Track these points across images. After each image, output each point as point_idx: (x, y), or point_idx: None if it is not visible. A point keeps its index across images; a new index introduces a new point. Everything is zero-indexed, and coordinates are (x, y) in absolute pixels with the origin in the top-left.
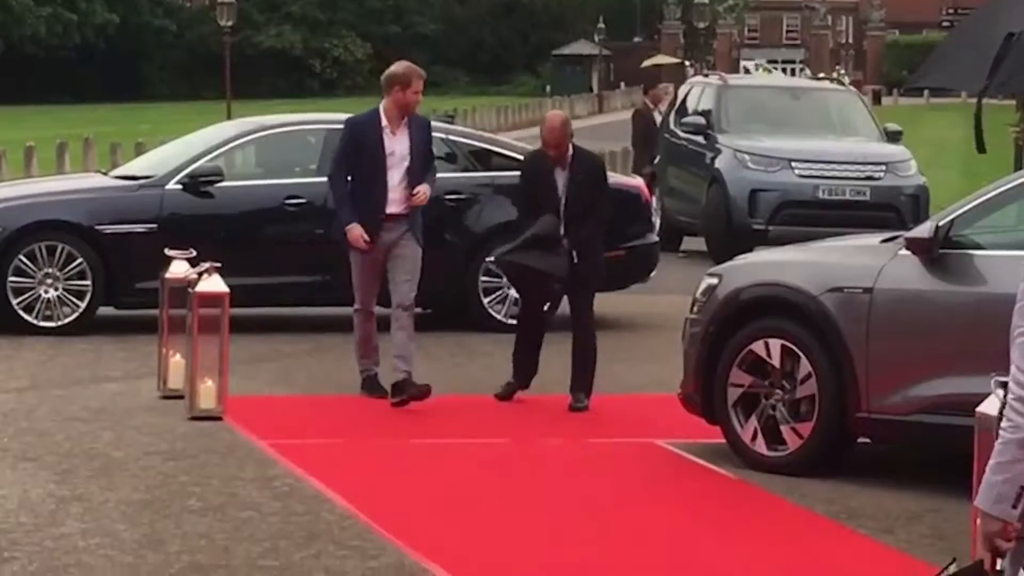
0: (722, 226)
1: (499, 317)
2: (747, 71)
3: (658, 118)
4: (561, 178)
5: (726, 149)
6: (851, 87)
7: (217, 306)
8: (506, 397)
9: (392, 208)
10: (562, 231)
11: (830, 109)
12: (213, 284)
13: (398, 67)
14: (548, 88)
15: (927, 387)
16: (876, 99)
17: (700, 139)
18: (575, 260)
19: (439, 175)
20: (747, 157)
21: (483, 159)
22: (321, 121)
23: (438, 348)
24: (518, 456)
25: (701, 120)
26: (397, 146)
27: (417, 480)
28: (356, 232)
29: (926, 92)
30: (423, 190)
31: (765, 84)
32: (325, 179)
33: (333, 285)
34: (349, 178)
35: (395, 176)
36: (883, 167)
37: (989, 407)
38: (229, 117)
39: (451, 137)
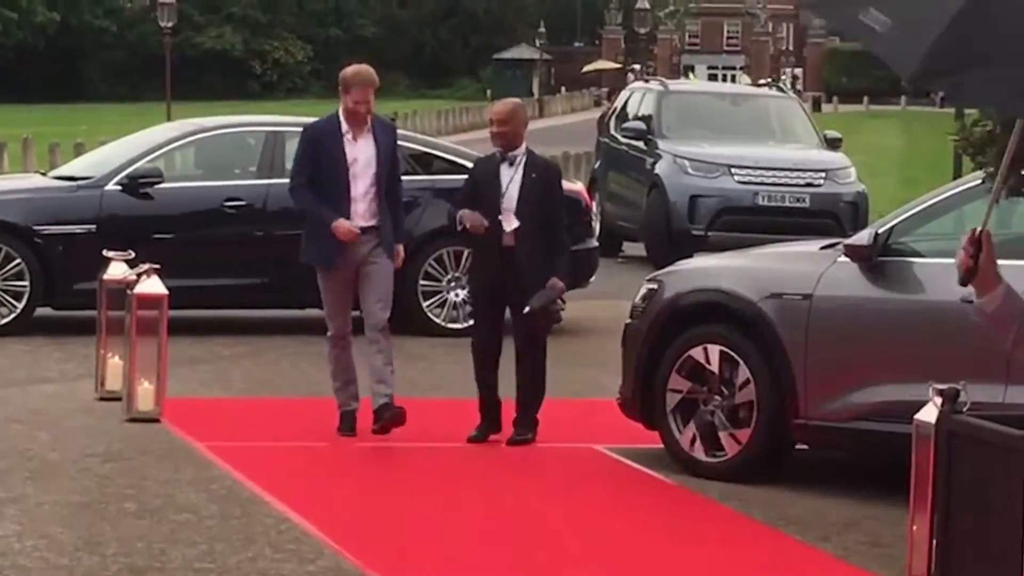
0: (662, 232)
1: (438, 321)
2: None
3: None
4: (508, 177)
5: (666, 155)
6: (792, 94)
7: (156, 308)
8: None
9: (359, 221)
10: (507, 239)
11: (770, 115)
12: (152, 286)
13: (346, 70)
14: (489, 92)
15: (865, 394)
16: (816, 106)
17: (640, 144)
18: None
19: None
20: (687, 163)
21: (424, 163)
22: (261, 123)
23: None
24: (456, 460)
25: (641, 125)
26: (360, 153)
27: (355, 484)
28: (344, 226)
29: (865, 99)
30: (400, 251)
31: (705, 90)
32: (264, 181)
33: (272, 287)
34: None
35: (360, 185)
36: (823, 174)
37: (927, 414)
38: (169, 118)
39: None
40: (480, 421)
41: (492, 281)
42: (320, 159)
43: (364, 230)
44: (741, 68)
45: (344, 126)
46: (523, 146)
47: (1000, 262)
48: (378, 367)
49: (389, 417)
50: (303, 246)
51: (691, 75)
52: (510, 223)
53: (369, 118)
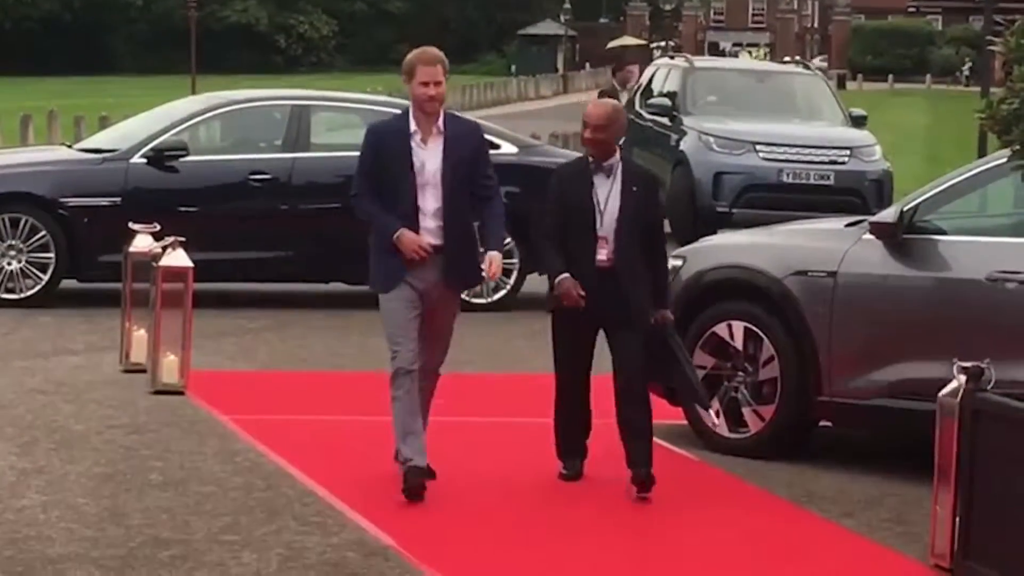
0: (686, 208)
1: (463, 296)
2: (724, 53)
3: (624, 99)
4: (604, 190)
5: (691, 131)
6: (817, 71)
7: (181, 280)
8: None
9: (429, 238)
10: (604, 255)
11: (795, 93)
12: (177, 258)
13: (409, 55)
14: (513, 68)
15: (889, 372)
16: (841, 84)
17: (665, 121)
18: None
19: None
20: (712, 140)
21: None
22: (287, 97)
23: None
24: (478, 434)
25: (667, 102)
26: (429, 157)
27: (378, 457)
28: (409, 237)
29: (890, 77)
30: (494, 261)
31: (731, 67)
32: (289, 155)
33: (296, 260)
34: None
35: (429, 199)
36: (847, 152)
37: (951, 392)
38: (194, 92)
39: None
40: (564, 458)
41: (589, 308)
42: (384, 164)
43: (436, 249)
44: (741, 46)
45: (412, 125)
46: (618, 153)
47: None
48: (421, 406)
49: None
50: (371, 272)
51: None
52: (605, 247)
53: (443, 115)
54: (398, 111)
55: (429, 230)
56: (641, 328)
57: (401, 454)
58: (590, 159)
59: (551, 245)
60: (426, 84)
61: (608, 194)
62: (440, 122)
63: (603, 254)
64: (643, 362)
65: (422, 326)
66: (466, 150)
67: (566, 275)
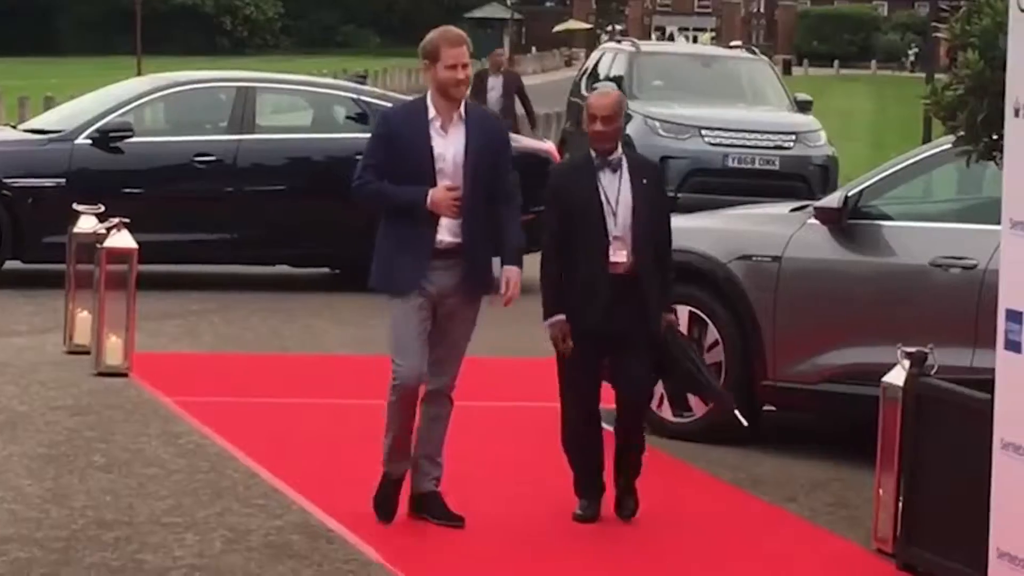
0: None
1: None
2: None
3: (491, 83)
4: (613, 187)
5: (637, 116)
6: (763, 56)
7: (125, 262)
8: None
9: (445, 236)
10: (622, 257)
11: (741, 78)
12: (121, 240)
13: (427, 37)
14: None
15: (833, 356)
16: (787, 69)
17: None
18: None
19: (350, 136)
20: (658, 124)
21: None
22: (232, 79)
23: (346, 309)
24: None
25: (612, 86)
26: (450, 147)
27: (323, 439)
28: (441, 193)
29: (836, 63)
30: (512, 279)
31: (677, 52)
32: (234, 137)
33: (241, 243)
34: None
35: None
36: (793, 137)
37: (895, 377)
38: (139, 73)
39: (363, 98)
40: (581, 498)
41: (600, 321)
42: (398, 153)
43: (451, 251)
44: (687, 30)
45: (432, 111)
46: (620, 146)
47: (972, 226)
48: (433, 438)
49: (447, 520)
50: (373, 268)
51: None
52: (623, 248)
53: (464, 104)
54: (344, 93)
55: (447, 227)
56: (656, 338)
57: (389, 464)
58: (593, 154)
59: (550, 275)
60: (453, 67)
61: (618, 190)
62: (462, 109)
63: (621, 255)
64: (650, 380)
65: (433, 339)
66: (489, 142)
67: (560, 319)
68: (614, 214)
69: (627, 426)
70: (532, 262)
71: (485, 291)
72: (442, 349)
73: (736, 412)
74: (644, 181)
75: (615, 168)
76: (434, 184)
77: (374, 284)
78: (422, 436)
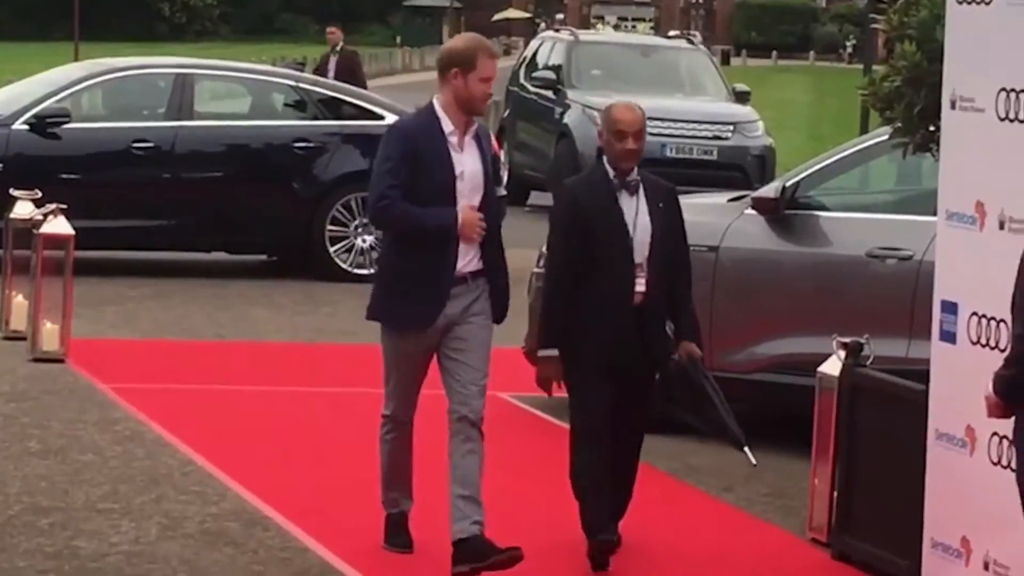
0: None
1: (345, 266)
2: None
3: (331, 62)
4: (631, 211)
5: (575, 105)
6: (701, 46)
7: (62, 248)
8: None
9: (462, 263)
10: (641, 287)
11: (680, 68)
12: (58, 226)
13: (458, 41)
14: (399, 39)
15: (770, 346)
16: (725, 59)
17: (549, 94)
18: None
19: (288, 123)
20: (596, 113)
21: (332, 108)
22: (170, 65)
23: (283, 296)
24: (358, 405)
25: (551, 75)
26: (467, 164)
27: (259, 427)
28: (469, 216)
29: (774, 53)
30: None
31: (615, 41)
32: (172, 123)
33: (179, 230)
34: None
35: None
36: (731, 127)
37: (830, 367)
38: (77, 59)
39: (301, 85)
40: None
41: (618, 351)
42: (420, 172)
43: (468, 277)
44: (627, 20)
45: (447, 125)
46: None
47: (908, 218)
48: (469, 475)
49: (498, 561)
50: (375, 298)
51: (600, 25)
52: (643, 275)
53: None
54: (282, 80)
55: (463, 252)
56: (662, 369)
57: (386, 499)
58: (611, 173)
59: (554, 301)
60: (487, 80)
61: (636, 214)
62: (474, 123)
63: (640, 285)
64: (647, 415)
65: (442, 361)
66: (489, 156)
67: (555, 354)
68: (631, 239)
69: (624, 460)
70: None
71: (503, 316)
72: (461, 377)
73: (746, 450)
74: (660, 205)
75: (633, 190)
76: (454, 205)
77: (380, 317)
78: (457, 475)
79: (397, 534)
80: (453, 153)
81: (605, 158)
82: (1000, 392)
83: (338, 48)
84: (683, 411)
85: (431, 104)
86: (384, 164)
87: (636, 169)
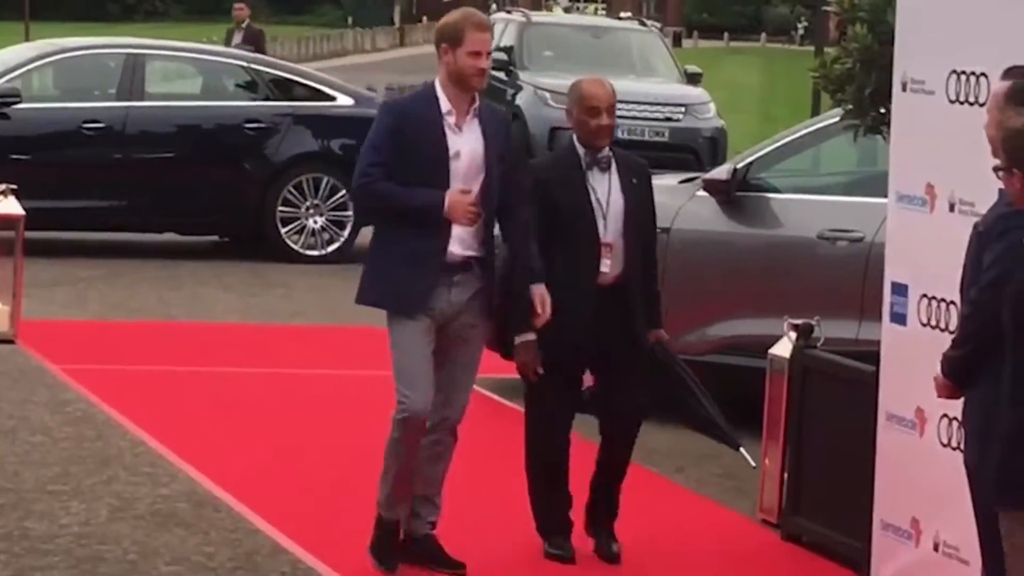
0: (521, 162)
1: (296, 247)
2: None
3: (236, 38)
4: (603, 189)
5: (527, 86)
6: (653, 27)
7: (12, 229)
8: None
9: (457, 247)
10: (608, 267)
11: (631, 49)
12: (8, 206)
13: (448, 16)
14: (350, 20)
15: (721, 328)
16: (677, 41)
17: (502, 75)
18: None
19: (239, 104)
20: (548, 95)
21: (284, 89)
22: (121, 45)
23: (234, 277)
24: (311, 386)
25: (503, 56)
26: (464, 144)
27: (210, 408)
28: (456, 198)
29: (726, 35)
30: (544, 299)
31: (567, 23)
32: (123, 104)
33: (129, 210)
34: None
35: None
36: (682, 109)
37: (781, 349)
38: (27, 38)
39: (252, 65)
40: (551, 535)
41: (583, 339)
42: (407, 151)
43: (464, 264)
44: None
45: (445, 104)
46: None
47: (859, 200)
48: (436, 477)
49: (445, 567)
50: (365, 282)
51: (555, 6)
52: (613, 255)
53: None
54: (234, 61)
55: (457, 238)
56: (644, 357)
57: (385, 507)
58: (581, 151)
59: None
60: (477, 54)
61: (608, 191)
62: (477, 103)
63: (607, 265)
64: (644, 403)
65: (438, 365)
66: (501, 140)
67: (531, 339)
68: (604, 218)
69: (618, 454)
70: None
71: (497, 309)
72: (450, 376)
73: (742, 450)
74: (634, 181)
75: (605, 167)
76: (447, 188)
77: (368, 300)
78: (421, 474)
79: (387, 545)
80: (450, 133)
81: (575, 137)
82: (948, 373)
83: (244, 24)
84: (667, 407)
85: (432, 83)
86: (368, 141)
87: (609, 147)
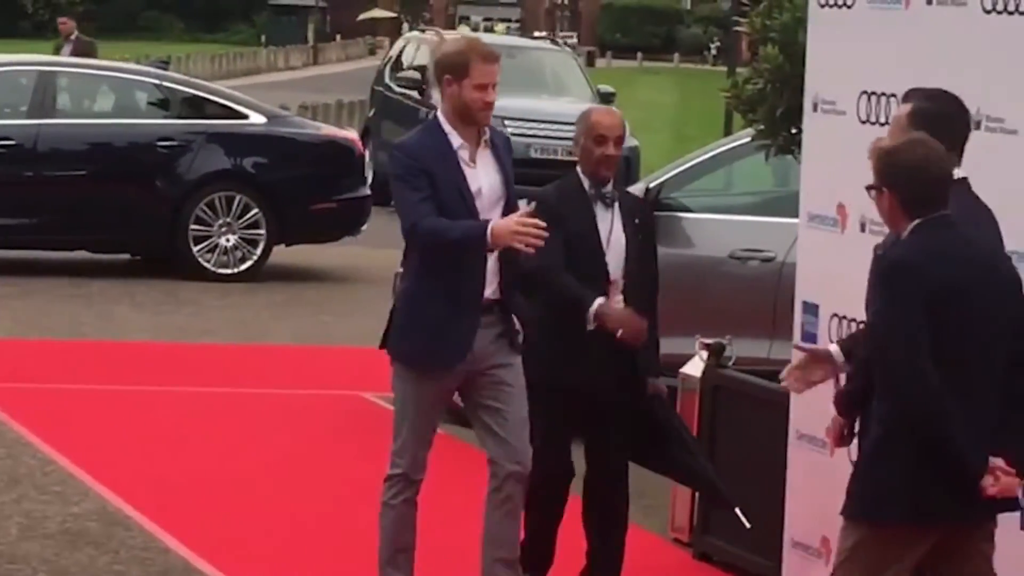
0: None
1: (208, 266)
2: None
3: (64, 51)
4: (606, 225)
5: (440, 105)
6: (566, 47)
7: None
8: None
9: (489, 290)
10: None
11: (545, 69)
12: None
13: (449, 45)
14: (263, 38)
15: None
16: (590, 60)
17: (415, 94)
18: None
19: (151, 122)
20: None
21: (197, 107)
22: (33, 63)
23: (145, 296)
24: (222, 405)
25: (416, 75)
26: (483, 179)
27: (121, 427)
28: (503, 220)
29: (639, 55)
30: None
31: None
32: (35, 121)
33: (41, 228)
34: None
35: None
36: None
37: (693, 368)
38: None
39: (165, 84)
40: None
41: (589, 379)
42: (433, 190)
43: (492, 306)
44: (492, 20)
45: (455, 139)
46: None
47: (770, 220)
48: (508, 537)
49: None
50: (396, 333)
51: (465, 25)
52: (617, 293)
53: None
54: (146, 79)
55: (487, 276)
56: (644, 399)
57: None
58: (587, 183)
59: (561, 276)
60: (483, 87)
61: (611, 228)
62: (487, 133)
63: (619, 302)
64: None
65: (493, 413)
66: (508, 163)
67: (601, 301)
68: (605, 253)
69: (613, 492)
70: (329, 255)
71: (517, 346)
72: (510, 422)
73: (738, 511)
74: (636, 221)
75: (609, 203)
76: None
77: (405, 356)
78: (493, 535)
79: None
80: (466, 169)
81: (579, 167)
82: (838, 406)
83: (72, 37)
84: (659, 462)
85: (435, 117)
86: (401, 184)
87: (612, 182)
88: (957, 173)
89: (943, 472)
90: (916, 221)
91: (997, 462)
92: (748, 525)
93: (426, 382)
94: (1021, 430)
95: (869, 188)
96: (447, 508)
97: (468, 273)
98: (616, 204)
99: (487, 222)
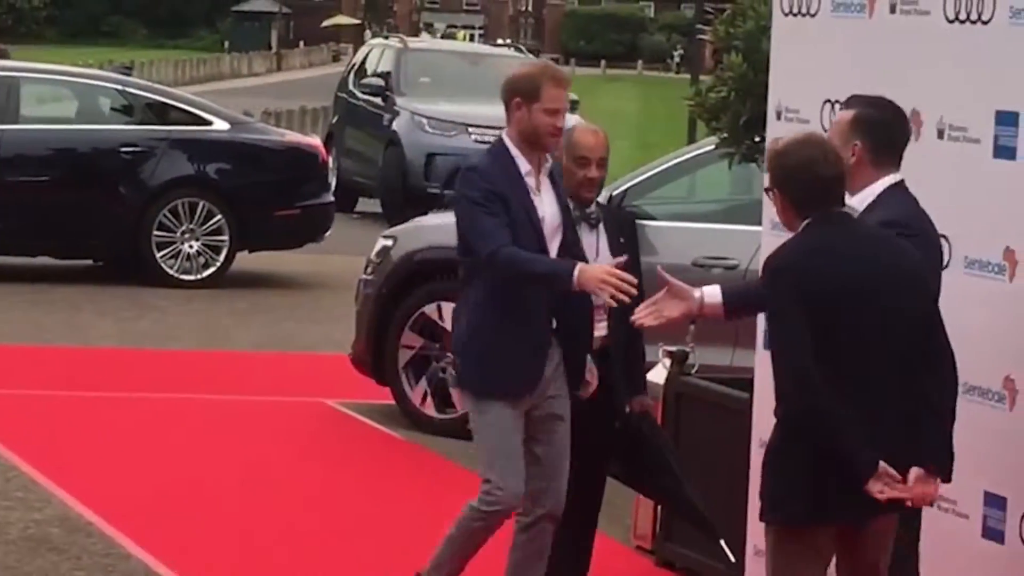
0: (398, 188)
1: (171, 272)
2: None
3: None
4: (591, 247)
5: (404, 112)
6: (529, 54)
7: None
8: None
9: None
10: (603, 330)
11: (507, 76)
12: None
13: (522, 67)
14: (227, 44)
15: None
16: None
17: (379, 101)
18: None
19: (114, 128)
20: (425, 120)
21: (160, 112)
22: None
23: (109, 302)
24: (185, 411)
25: (380, 82)
26: (547, 207)
27: (83, 433)
28: (594, 273)
29: (603, 63)
30: (592, 368)
31: (444, 49)
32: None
33: (3, 233)
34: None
35: None
36: None
37: (656, 376)
38: None
39: (128, 89)
40: None
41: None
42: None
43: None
44: (456, 27)
45: (523, 165)
46: None
47: (734, 227)
48: (533, 570)
49: None
50: (474, 363)
51: (425, 33)
52: (603, 319)
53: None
54: (109, 84)
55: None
56: (620, 422)
57: None
58: (571, 204)
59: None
60: (554, 112)
61: (596, 250)
62: (549, 161)
63: (601, 327)
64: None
65: (537, 452)
66: (564, 196)
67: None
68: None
69: (587, 516)
70: (291, 261)
71: (581, 383)
72: (548, 461)
73: (722, 543)
74: (622, 240)
75: (593, 224)
76: (546, 253)
77: (478, 386)
78: (519, 567)
79: None
80: (532, 196)
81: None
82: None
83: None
84: (641, 485)
85: (501, 140)
86: (478, 209)
87: (595, 202)
88: (894, 177)
89: (837, 472)
90: (806, 220)
91: (887, 469)
92: (733, 560)
93: (502, 408)
94: (933, 431)
95: (766, 190)
96: (430, 525)
97: (535, 302)
98: (600, 224)
99: (574, 263)
